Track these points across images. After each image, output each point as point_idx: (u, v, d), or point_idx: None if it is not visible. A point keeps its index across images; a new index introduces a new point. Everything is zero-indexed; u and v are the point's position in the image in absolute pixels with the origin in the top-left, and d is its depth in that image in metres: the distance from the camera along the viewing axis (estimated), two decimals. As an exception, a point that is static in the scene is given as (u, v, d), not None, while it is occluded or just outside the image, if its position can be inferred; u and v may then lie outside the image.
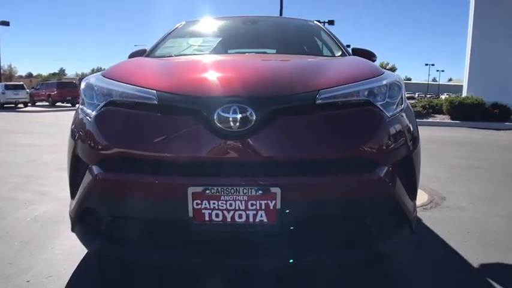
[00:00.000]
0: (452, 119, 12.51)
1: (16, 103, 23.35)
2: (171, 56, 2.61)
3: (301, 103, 1.51)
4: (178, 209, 1.43)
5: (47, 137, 8.06)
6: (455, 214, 2.83)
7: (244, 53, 2.86)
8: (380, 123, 1.56)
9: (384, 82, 1.69)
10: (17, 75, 71.98)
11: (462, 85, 15.80)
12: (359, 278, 1.89)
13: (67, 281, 1.83)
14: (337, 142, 1.48)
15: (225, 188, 1.40)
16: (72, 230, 1.71)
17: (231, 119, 1.42)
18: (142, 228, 1.58)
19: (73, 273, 1.91)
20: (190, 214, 1.43)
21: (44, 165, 4.79)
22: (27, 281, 1.83)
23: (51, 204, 3.04)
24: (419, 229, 2.45)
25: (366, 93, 1.61)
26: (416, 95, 61.71)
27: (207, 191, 1.40)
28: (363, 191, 1.49)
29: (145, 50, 2.87)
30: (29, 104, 24.70)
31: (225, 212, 1.42)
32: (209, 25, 3.29)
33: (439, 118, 12.90)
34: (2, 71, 35.95)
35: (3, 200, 3.24)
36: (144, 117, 1.55)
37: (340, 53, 2.74)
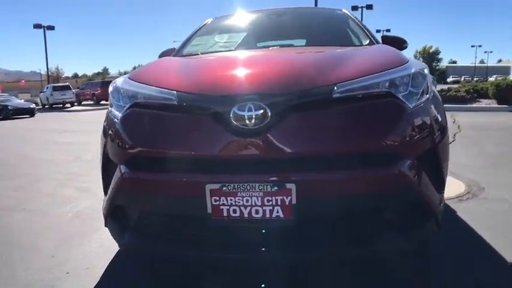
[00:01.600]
0: (499, 103, 11.79)
1: (63, 103, 24.80)
2: (198, 54, 2.66)
3: (317, 98, 1.50)
4: (198, 206, 1.47)
5: (90, 134, 8.49)
6: (494, 206, 2.69)
7: (270, 46, 2.86)
8: (401, 114, 1.52)
9: (407, 72, 1.64)
10: (63, 76, 75.94)
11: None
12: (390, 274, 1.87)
13: (103, 272, 1.96)
14: (355, 136, 1.46)
15: (241, 184, 1.43)
16: (106, 226, 1.81)
17: (246, 116, 1.44)
18: (166, 224, 1.64)
19: (108, 265, 2.03)
20: (209, 210, 1.47)
21: (87, 162, 5.07)
22: (67, 273, 1.97)
23: (91, 201, 3.23)
24: (451, 223, 2.38)
25: (387, 84, 1.57)
26: (462, 79, 58.58)
27: (224, 188, 1.44)
28: (382, 186, 1.46)
29: (174, 49, 2.95)
30: (75, 104, 26.09)
31: (242, 208, 1.45)
32: (236, 20, 3.31)
33: (484, 103, 12.22)
34: (49, 73, 38.13)
35: (48, 196, 3.48)
36: (164, 117, 1.61)
37: (367, 42, 2.67)
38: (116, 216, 1.76)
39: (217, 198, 1.46)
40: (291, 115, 1.46)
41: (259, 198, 1.43)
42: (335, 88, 1.51)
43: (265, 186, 1.42)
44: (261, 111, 1.44)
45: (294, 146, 1.45)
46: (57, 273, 1.97)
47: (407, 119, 1.53)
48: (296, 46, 2.83)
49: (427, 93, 1.68)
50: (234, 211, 1.46)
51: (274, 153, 1.45)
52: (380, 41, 2.80)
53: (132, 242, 1.68)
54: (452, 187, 3.08)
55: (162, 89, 1.67)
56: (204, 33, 3.13)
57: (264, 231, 1.49)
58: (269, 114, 1.44)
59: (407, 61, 1.78)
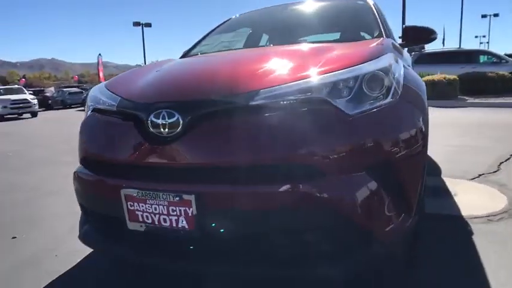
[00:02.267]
0: None
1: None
2: (197, 55, 2.70)
3: (230, 106, 1.41)
4: (118, 209, 1.52)
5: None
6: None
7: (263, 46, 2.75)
8: (330, 124, 1.35)
9: (353, 74, 1.44)
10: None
11: None
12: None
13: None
14: (265, 147, 1.34)
15: (148, 192, 1.43)
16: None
17: (160, 124, 1.43)
18: (103, 222, 1.73)
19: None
20: (126, 214, 1.51)
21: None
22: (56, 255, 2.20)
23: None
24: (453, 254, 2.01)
25: (321, 89, 1.40)
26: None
27: (135, 194, 1.46)
28: (294, 204, 1.31)
29: None
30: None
31: (152, 216, 1.45)
32: (251, 17, 3.27)
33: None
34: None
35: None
36: (104, 122, 1.69)
37: (377, 34, 2.39)
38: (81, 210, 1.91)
39: (132, 203, 1.48)
40: (202, 124, 1.41)
41: (165, 207, 1.42)
42: (256, 95, 1.39)
43: (168, 196, 1.40)
44: (173, 119, 1.42)
45: (197, 157, 1.40)
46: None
47: (340, 128, 1.35)
48: (282, 45, 2.58)
49: (387, 97, 1.44)
50: (147, 217, 1.47)
51: (179, 162, 1.42)
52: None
53: (82, 236, 1.81)
54: (490, 202, 2.59)
55: (112, 94, 1.74)
56: (221, 31, 3.14)
57: (172, 240, 1.47)
58: (181, 122, 1.41)
59: (366, 60, 1.53)
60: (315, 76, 1.44)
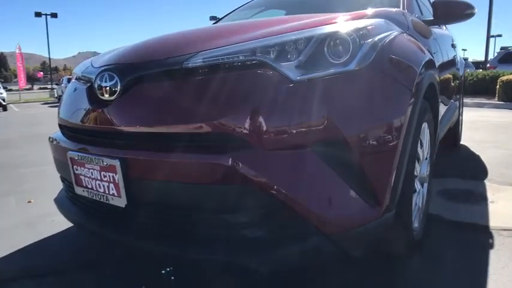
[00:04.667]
0: None
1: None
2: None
3: (164, 69, 1.29)
4: (69, 172, 1.51)
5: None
6: None
7: None
8: (268, 88, 1.16)
9: (307, 34, 1.24)
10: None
11: None
12: None
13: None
14: (189, 114, 1.20)
15: (85, 155, 1.39)
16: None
17: (102, 86, 1.39)
18: (65, 188, 1.74)
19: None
20: (73, 178, 1.48)
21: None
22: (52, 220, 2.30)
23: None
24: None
25: (258, 50, 1.21)
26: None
27: (76, 158, 1.43)
28: (215, 178, 1.14)
29: None
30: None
31: (91, 180, 1.40)
32: None
33: None
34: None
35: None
36: (72, 88, 1.71)
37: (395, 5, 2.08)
38: None
39: (76, 167, 1.45)
40: (137, 87, 1.32)
41: (98, 172, 1.36)
42: (194, 57, 1.26)
43: (99, 160, 1.34)
44: (113, 81, 1.35)
45: (126, 121, 1.32)
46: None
47: (280, 95, 1.15)
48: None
49: (350, 64, 1.21)
50: (88, 182, 1.43)
51: (111, 127, 1.35)
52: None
53: (55, 200, 1.84)
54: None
55: (86, 64, 1.74)
56: (247, 7, 3.04)
57: (106, 207, 1.40)
58: (119, 85, 1.34)
59: (333, 23, 1.32)
60: (261, 38, 1.26)
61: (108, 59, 1.50)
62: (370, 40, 1.28)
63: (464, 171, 3.07)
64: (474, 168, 3.16)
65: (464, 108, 4.60)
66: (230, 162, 1.10)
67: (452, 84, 2.98)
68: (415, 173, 1.53)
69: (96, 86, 1.41)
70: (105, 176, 1.34)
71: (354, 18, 1.40)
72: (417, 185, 1.62)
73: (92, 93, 1.46)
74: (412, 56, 1.49)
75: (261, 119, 1.12)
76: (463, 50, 61.11)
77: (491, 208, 2.24)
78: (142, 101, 1.30)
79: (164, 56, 1.32)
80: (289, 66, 1.18)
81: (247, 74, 1.20)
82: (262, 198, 1.13)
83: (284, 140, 1.12)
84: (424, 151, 1.69)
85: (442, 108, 2.46)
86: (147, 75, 1.32)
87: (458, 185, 2.70)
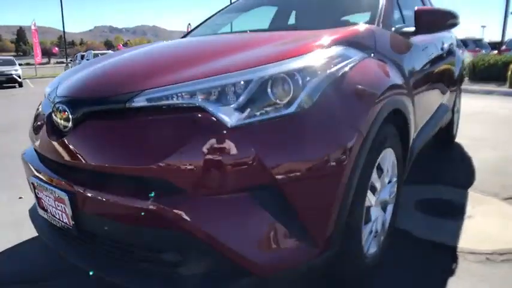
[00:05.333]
0: None
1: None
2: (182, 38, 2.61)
3: (110, 106, 1.32)
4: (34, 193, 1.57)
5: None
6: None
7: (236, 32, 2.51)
8: (202, 134, 1.15)
9: (247, 77, 1.23)
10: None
11: None
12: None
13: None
14: (128, 155, 1.22)
15: (41, 183, 1.44)
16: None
17: (58, 117, 1.43)
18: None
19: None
20: (36, 200, 1.54)
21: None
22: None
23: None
24: None
25: (195, 93, 1.22)
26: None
27: (36, 184, 1.48)
28: (145, 221, 1.16)
29: None
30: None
31: (49, 206, 1.46)
32: None
33: None
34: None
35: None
36: (42, 106, 1.74)
37: (367, 19, 2.03)
38: None
39: (38, 191, 1.51)
40: (85, 122, 1.35)
41: (53, 200, 1.41)
42: (138, 95, 1.27)
43: (52, 191, 1.39)
44: (65, 115, 1.39)
45: (74, 155, 1.35)
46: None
47: (213, 140, 1.14)
48: (248, 32, 2.31)
49: (290, 106, 1.20)
50: (47, 207, 1.49)
51: (63, 159, 1.39)
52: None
53: (29, 210, 1.91)
54: (507, 234, 2.09)
55: (54, 85, 1.76)
56: (228, 11, 2.99)
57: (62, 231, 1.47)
58: (70, 119, 1.37)
59: (285, 57, 1.30)
60: (202, 79, 1.26)
61: (66, 88, 1.53)
62: (316, 78, 1.27)
63: (450, 176, 3.03)
64: (462, 174, 3.11)
65: (470, 96, 4.42)
66: (158, 207, 1.12)
67: (442, 87, 2.90)
68: (369, 203, 1.53)
69: (53, 115, 1.45)
70: (58, 205, 1.39)
71: (307, 51, 1.37)
72: (374, 213, 1.62)
73: (50, 121, 1.50)
74: (368, 87, 1.46)
75: (191, 165, 1.13)
76: (482, 26, 57.34)
77: (466, 224, 2.23)
78: (88, 137, 1.33)
79: (109, 93, 1.34)
80: (227, 110, 1.17)
81: (184, 118, 1.20)
82: (194, 240, 1.16)
83: (214, 186, 1.14)
84: (385, 177, 1.68)
85: (423, 117, 2.42)
86: (94, 111, 1.35)
87: (439, 193, 2.68)
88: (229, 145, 1.14)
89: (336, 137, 1.26)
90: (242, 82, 1.21)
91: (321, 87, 1.26)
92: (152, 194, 1.14)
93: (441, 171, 3.18)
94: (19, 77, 16.21)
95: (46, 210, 1.49)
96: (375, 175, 1.53)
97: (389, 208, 1.84)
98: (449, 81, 3.15)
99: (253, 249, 1.16)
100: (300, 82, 1.23)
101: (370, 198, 1.53)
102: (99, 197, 1.25)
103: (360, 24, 1.87)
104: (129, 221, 1.21)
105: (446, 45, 2.97)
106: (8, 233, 2.25)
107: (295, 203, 1.19)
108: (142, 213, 1.15)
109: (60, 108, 1.41)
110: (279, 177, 1.15)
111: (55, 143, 1.42)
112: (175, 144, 1.15)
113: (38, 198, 1.53)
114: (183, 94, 1.22)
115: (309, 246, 1.24)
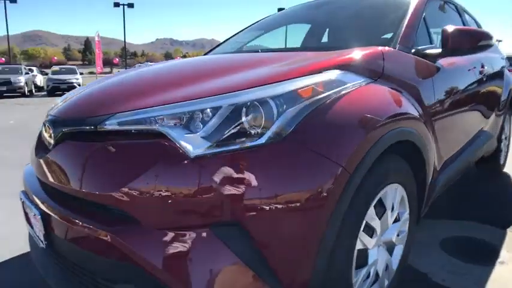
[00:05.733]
0: None
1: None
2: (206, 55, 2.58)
3: (83, 128, 1.29)
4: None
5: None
6: None
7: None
8: (162, 163, 1.08)
9: (217, 103, 1.13)
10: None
11: None
12: None
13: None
14: (90, 179, 1.18)
15: (24, 200, 1.45)
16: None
17: (46, 134, 1.45)
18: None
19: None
20: (24, 215, 1.55)
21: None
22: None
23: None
24: None
25: (166, 119, 1.14)
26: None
27: (22, 200, 1.49)
28: (100, 249, 1.12)
29: None
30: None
31: (32, 222, 1.45)
32: (284, 14, 2.94)
33: None
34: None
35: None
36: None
37: (390, 36, 1.87)
38: None
39: (24, 206, 1.52)
40: (62, 143, 1.34)
41: (32, 215, 1.40)
42: (110, 118, 1.22)
43: (30, 208, 1.38)
44: (49, 133, 1.41)
45: (48, 175, 1.35)
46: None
47: (173, 171, 1.07)
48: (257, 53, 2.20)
49: (261, 137, 1.09)
50: (31, 223, 1.48)
51: (43, 175, 1.38)
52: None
53: None
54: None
55: (53, 104, 1.80)
56: (255, 28, 2.93)
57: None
58: (52, 138, 1.39)
59: (265, 83, 1.20)
60: (172, 104, 1.18)
61: (58, 107, 1.54)
62: (295, 107, 1.14)
63: (489, 212, 2.70)
64: (503, 210, 2.77)
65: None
66: (107, 236, 1.07)
67: (481, 113, 2.61)
68: (363, 246, 1.36)
69: (43, 131, 1.47)
70: (35, 223, 1.38)
71: (295, 75, 1.25)
72: (372, 256, 1.43)
73: (40, 138, 1.52)
74: (361, 116, 1.28)
75: (146, 195, 1.05)
76: (498, 41, 51.27)
77: (496, 272, 1.94)
78: (62, 157, 1.32)
79: (86, 115, 1.31)
80: (192, 139, 1.09)
81: (147, 144, 1.14)
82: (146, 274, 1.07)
83: (169, 219, 1.05)
84: (388, 216, 1.49)
85: (452, 147, 2.16)
86: (70, 132, 1.33)
87: (472, 231, 2.38)
88: (189, 176, 1.05)
89: (311, 173, 1.11)
90: (209, 109, 1.12)
91: (300, 117, 1.14)
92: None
93: (479, 205, 2.85)
94: (79, 85, 17.44)
95: (31, 227, 1.49)
96: (372, 214, 1.35)
97: (398, 249, 1.63)
98: (492, 106, 2.84)
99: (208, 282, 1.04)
100: (275, 111, 1.12)
101: (365, 240, 1.35)
102: (62, 219, 1.22)
103: (371, 47, 1.69)
104: (87, 247, 1.16)
105: (488, 67, 2.68)
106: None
107: (261, 245, 1.07)
108: (95, 241, 1.10)
109: (47, 125, 1.42)
110: (243, 214, 1.04)
111: (39, 159, 1.42)
112: (133, 172, 1.08)
113: (25, 213, 1.54)
114: (151, 119, 1.15)
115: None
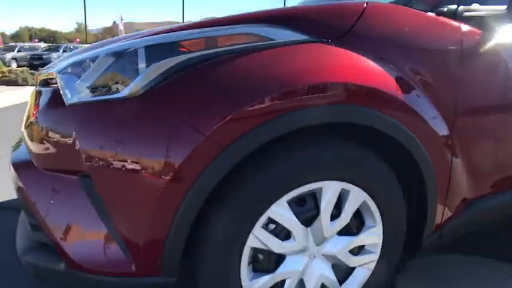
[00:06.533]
0: None
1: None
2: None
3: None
4: None
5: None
6: None
7: None
8: (48, 109, 1.21)
9: (96, 52, 1.13)
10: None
11: None
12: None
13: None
14: None
15: None
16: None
17: None
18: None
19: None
20: None
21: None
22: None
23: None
24: None
25: (68, 69, 1.19)
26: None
27: None
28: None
29: None
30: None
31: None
32: None
33: None
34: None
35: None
36: None
37: None
38: None
39: None
40: None
41: None
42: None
43: None
44: None
45: None
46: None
47: (53, 117, 1.18)
48: None
49: (123, 90, 1.03)
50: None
51: None
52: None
53: None
54: None
55: None
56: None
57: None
58: None
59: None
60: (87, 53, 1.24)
61: None
62: (168, 60, 1.01)
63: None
64: None
65: None
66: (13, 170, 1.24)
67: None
68: (266, 247, 1.10)
69: None
70: None
71: (197, 27, 1.11)
72: (293, 264, 1.15)
73: None
74: (269, 78, 1.01)
75: (35, 135, 1.21)
76: None
77: None
78: None
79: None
80: (75, 88, 1.11)
81: (51, 90, 1.23)
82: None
83: (47, 160, 1.17)
84: (327, 223, 1.12)
85: (495, 161, 1.43)
86: None
87: None
88: (61, 123, 1.13)
89: (169, 135, 0.98)
90: (89, 59, 1.12)
91: (172, 72, 1.01)
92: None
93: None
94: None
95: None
96: (280, 211, 1.08)
97: (360, 273, 1.26)
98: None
99: (66, 236, 1.07)
100: (143, 63, 1.02)
101: (268, 240, 1.09)
102: None
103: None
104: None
105: None
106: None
107: (107, 201, 1.03)
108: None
109: None
110: (92, 164, 1.03)
111: None
112: (34, 114, 1.24)
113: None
114: (63, 69, 1.21)
115: (125, 258, 1.03)
